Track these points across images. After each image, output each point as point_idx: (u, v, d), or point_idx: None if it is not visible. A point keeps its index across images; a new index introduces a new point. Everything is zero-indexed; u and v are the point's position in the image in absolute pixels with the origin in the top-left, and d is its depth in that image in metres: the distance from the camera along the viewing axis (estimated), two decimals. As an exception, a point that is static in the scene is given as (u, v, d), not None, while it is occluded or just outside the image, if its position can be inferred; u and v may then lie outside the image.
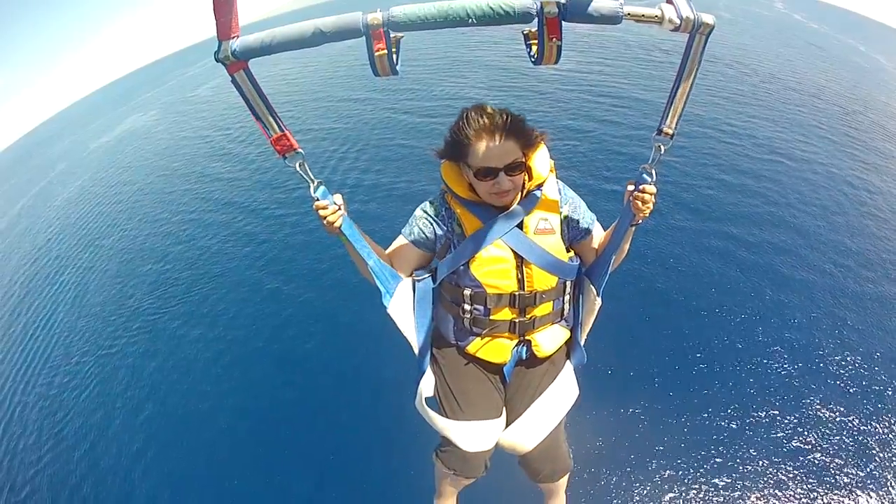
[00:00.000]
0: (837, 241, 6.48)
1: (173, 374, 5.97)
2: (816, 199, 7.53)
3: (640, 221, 1.61)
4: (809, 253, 6.19)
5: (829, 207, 7.32)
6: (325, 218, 1.52)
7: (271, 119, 1.34)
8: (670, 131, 1.43)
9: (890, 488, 3.68)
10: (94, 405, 6.01)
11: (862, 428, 4.09)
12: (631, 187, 1.58)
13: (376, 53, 1.22)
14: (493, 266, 1.69)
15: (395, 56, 1.26)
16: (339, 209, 1.54)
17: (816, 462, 3.86)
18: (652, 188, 1.53)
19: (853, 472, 3.79)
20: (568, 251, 1.79)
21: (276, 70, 22.25)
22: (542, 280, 1.71)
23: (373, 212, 7.95)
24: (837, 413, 4.21)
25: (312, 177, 1.47)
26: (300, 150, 1.41)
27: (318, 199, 1.50)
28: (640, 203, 1.54)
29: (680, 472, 3.82)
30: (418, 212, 1.80)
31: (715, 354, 4.80)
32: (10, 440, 6.10)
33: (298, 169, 1.44)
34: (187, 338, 6.45)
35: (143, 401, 5.77)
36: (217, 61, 1.23)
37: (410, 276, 1.86)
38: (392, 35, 1.24)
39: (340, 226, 1.56)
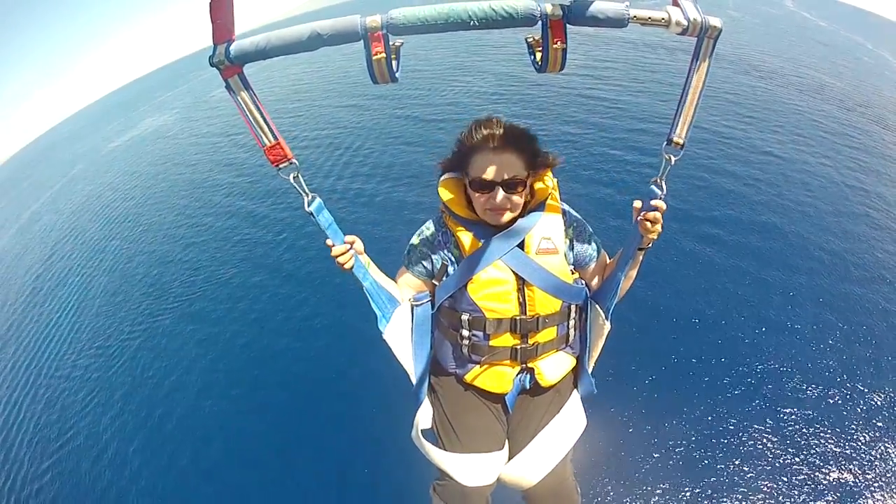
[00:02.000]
0: (830, 242, 6.39)
1: (186, 375, 6.02)
2: (809, 199, 7.45)
3: (650, 245, 1.52)
4: (802, 257, 6.12)
5: (821, 208, 7.24)
6: (336, 257, 1.48)
7: (265, 127, 1.29)
8: (681, 141, 1.33)
9: (879, 489, 3.67)
10: (111, 400, 6.13)
11: (855, 432, 4.06)
12: (638, 205, 1.47)
13: (374, 57, 1.18)
14: (492, 289, 1.59)
15: (394, 63, 1.22)
16: (351, 248, 1.51)
17: (811, 468, 3.82)
18: (661, 205, 1.43)
19: (848, 476, 3.76)
20: (572, 275, 1.71)
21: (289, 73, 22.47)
22: (544, 303, 1.61)
23: (369, 217, 8.00)
24: (831, 417, 4.18)
25: (307, 190, 1.40)
26: (294, 160, 1.34)
27: (327, 235, 1.48)
28: (648, 224, 1.44)
29: (678, 491, 3.76)
30: (415, 239, 1.74)
31: (708, 363, 4.72)
32: (24, 435, 6.22)
33: (293, 181, 1.36)
34: (209, 340, 6.49)
35: (157, 399, 5.86)
36: (212, 65, 1.20)
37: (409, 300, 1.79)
38: (392, 42, 1.20)
39: (352, 267, 1.52)
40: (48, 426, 6.12)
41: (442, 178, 1.70)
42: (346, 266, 1.50)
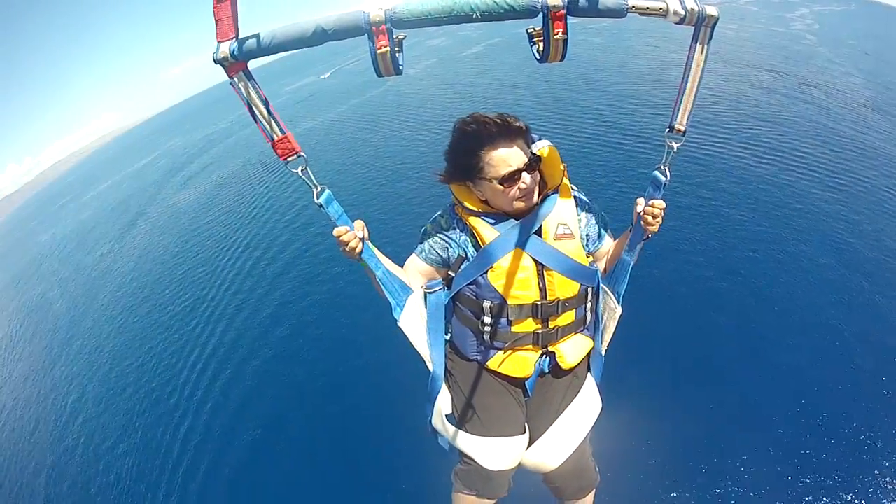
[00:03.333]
0: (858, 241, 6.28)
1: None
2: (836, 196, 7.40)
3: (650, 236, 1.57)
4: (828, 255, 6.03)
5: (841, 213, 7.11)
6: (346, 244, 1.47)
7: (272, 121, 1.30)
8: (682, 128, 1.39)
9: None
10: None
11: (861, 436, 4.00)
12: (640, 204, 1.54)
13: (378, 51, 1.19)
14: (513, 276, 1.61)
15: (398, 56, 1.23)
16: (359, 234, 1.50)
17: (821, 466, 3.79)
18: (661, 203, 1.49)
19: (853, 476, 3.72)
20: (587, 258, 1.73)
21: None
22: (564, 287, 1.64)
23: (375, 216, 8.21)
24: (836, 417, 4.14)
25: (315, 182, 1.41)
26: (302, 153, 1.36)
27: (336, 226, 1.46)
28: (649, 218, 1.51)
29: (693, 476, 3.75)
30: (428, 227, 1.75)
31: (723, 352, 4.78)
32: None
33: (301, 174, 1.38)
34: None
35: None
36: (216, 63, 1.21)
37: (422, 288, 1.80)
38: (395, 35, 1.21)
39: (361, 252, 1.52)
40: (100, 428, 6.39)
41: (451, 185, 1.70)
42: (355, 252, 1.50)
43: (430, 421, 1.85)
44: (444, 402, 1.82)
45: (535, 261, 1.62)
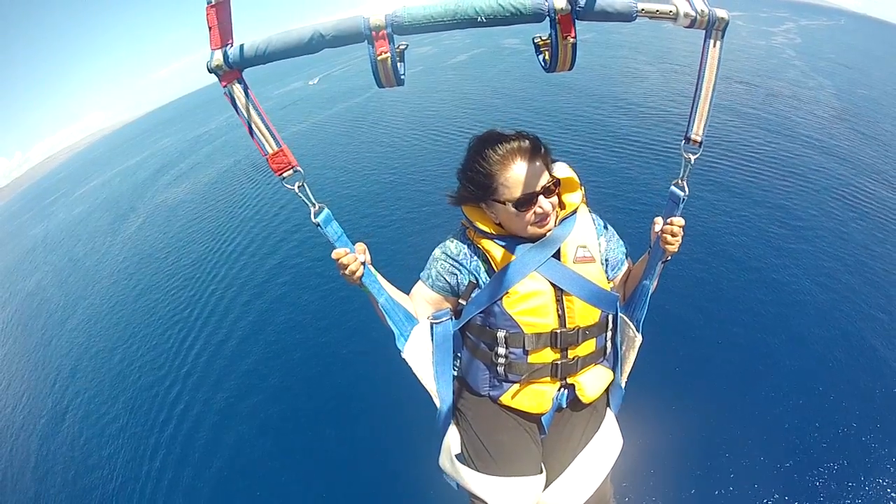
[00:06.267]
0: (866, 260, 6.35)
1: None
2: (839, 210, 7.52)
3: (670, 258, 1.49)
4: (835, 270, 6.08)
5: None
6: (346, 267, 1.38)
7: (268, 134, 1.23)
8: (698, 138, 1.32)
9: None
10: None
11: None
12: (658, 223, 1.47)
13: (378, 57, 1.13)
14: (529, 302, 1.49)
15: (399, 65, 1.17)
16: (360, 257, 1.41)
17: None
18: (680, 220, 1.41)
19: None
20: (608, 282, 1.63)
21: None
22: (584, 314, 1.53)
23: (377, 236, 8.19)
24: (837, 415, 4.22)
25: (314, 200, 1.31)
26: (299, 168, 1.27)
27: (335, 248, 1.36)
28: (669, 237, 1.43)
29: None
30: (437, 253, 1.62)
31: (734, 373, 4.75)
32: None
33: (297, 191, 1.28)
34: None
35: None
36: (210, 71, 1.15)
37: (428, 318, 1.67)
38: (396, 44, 1.16)
39: (362, 276, 1.42)
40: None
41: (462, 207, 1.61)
42: (356, 277, 1.41)
43: (438, 460, 1.71)
44: (452, 440, 1.68)
45: (553, 286, 1.50)
